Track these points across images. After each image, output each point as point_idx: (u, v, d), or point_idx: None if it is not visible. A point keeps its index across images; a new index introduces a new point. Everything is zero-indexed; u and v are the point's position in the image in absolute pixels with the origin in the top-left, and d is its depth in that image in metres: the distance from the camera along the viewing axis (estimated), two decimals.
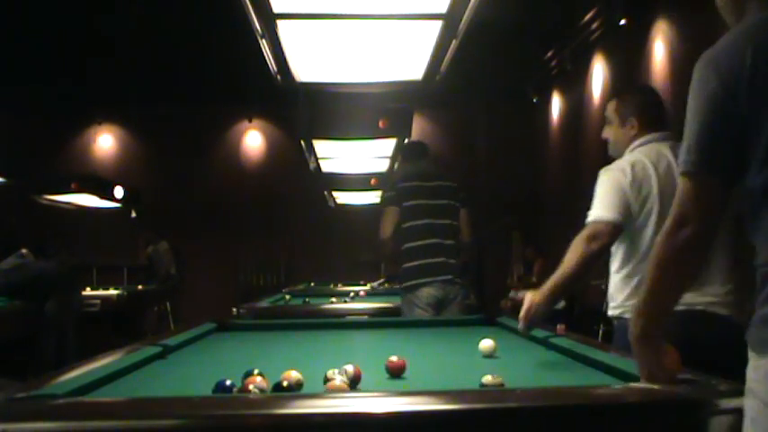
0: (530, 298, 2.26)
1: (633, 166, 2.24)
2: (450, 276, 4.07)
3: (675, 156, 2.04)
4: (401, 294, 4.16)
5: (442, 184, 4.26)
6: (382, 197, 4.23)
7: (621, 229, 2.21)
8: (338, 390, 1.61)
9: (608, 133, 2.47)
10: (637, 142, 2.34)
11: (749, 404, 1.21)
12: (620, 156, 2.38)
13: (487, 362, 2.22)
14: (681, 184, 1.37)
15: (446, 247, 4.12)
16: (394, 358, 1.93)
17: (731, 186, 1.34)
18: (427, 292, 3.99)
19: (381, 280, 5.40)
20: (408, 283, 4.03)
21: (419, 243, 4.06)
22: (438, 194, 4.19)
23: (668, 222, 1.38)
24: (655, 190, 2.20)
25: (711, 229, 1.37)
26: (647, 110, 2.39)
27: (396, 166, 5.86)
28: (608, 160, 2.42)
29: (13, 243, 5.71)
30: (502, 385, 1.64)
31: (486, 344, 2.29)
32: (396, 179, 4.31)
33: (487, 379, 1.64)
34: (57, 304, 5.35)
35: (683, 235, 1.35)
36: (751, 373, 1.23)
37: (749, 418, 1.20)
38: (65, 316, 5.43)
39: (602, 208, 2.22)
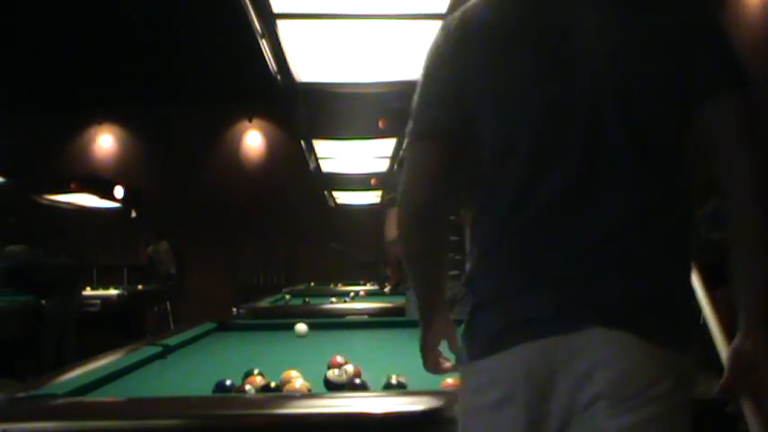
0: None
1: None
2: (456, 272, 4.06)
3: None
4: (407, 294, 4.14)
5: None
6: (383, 198, 4.20)
7: None
8: (298, 391, 1.59)
9: None
10: None
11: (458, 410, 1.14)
12: None
13: None
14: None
15: (451, 243, 4.10)
16: (339, 358, 1.91)
17: (457, 151, 1.18)
18: None
19: (389, 286, 5.35)
20: None
21: None
22: None
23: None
24: None
25: (436, 199, 1.20)
26: None
27: (396, 166, 5.85)
28: None
29: (13, 243, 5.72)
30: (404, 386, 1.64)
31: (301, 327, 2.91)
32: (395, 182, 4.29)
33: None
34: (56, 303, 5.35)
35: (407, 211, 1.23)
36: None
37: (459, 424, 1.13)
38: (65, 316, 5.43)
39: None
